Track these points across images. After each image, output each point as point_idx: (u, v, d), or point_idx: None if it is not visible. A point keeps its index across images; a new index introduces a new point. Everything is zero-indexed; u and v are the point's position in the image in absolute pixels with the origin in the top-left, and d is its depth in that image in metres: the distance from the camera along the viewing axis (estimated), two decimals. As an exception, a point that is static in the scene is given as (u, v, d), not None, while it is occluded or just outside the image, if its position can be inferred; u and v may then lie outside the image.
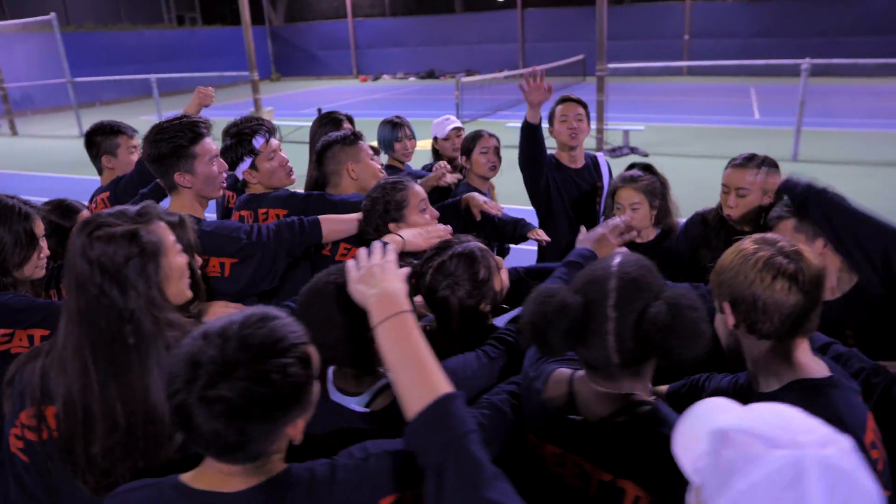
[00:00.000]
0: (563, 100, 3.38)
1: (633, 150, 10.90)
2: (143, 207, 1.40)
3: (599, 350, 1.21)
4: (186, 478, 1.12)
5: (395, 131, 3.69)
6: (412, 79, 29.11)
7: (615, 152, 10.85)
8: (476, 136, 3.40)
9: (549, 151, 3.34)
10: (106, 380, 1.30)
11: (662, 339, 1.15)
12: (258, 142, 2.47)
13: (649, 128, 12.30)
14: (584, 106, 3.37)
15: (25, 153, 14.62)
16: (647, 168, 2.88)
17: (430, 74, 28.86)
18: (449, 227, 2.11)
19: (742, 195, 2.42)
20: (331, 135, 2.66)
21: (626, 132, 11.15)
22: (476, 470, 0.99)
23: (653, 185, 2.79)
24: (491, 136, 3.40)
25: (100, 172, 3.29)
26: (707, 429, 0.83)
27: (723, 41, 23.23)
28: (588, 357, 1.25)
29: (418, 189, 2.22)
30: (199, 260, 1.69)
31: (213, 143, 2.17)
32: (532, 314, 1.24)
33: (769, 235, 1.48)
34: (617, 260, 1.30)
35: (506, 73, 20.75)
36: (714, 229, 2.61)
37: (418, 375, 1.09)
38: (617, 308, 1.21)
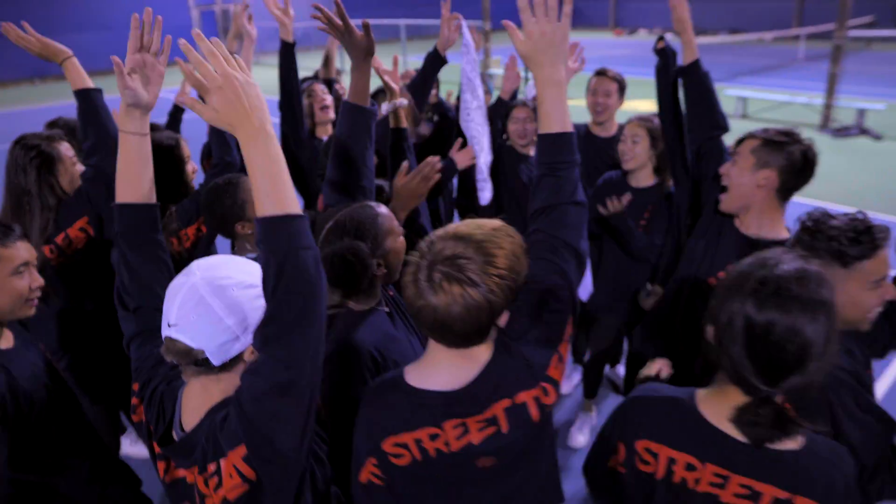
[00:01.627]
0: (597, 73, 3.50)
1: (864, 132, 9.59)
2: (52, 131, 2.24)
3: None
4: None
5: None
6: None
7: (841, 132, 9.65)
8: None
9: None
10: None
11: None
12: None
13: (894, 107, 10.61)
14: (618, 81, 3.46)
15: (296, 84, 17.33)
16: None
17: (690, 31, 27.05)
18: None
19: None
20: None
21: (860, 111, 9.82)
22: (307, 274, 1.16)
23: (659, 129, 2.84)
24: (524, 105, 3.47)
25: None
26: None
27: None
28: None
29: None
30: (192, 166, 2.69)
31: None
32: None
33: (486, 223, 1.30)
34: (347, 210, 1.68)
35: (774, 33, 18.81)
36: None
37: (277, 188, 1.18)
38: (321, 243, 1.62)
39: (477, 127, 3.06)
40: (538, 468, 1.41)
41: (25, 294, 1.80)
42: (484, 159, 3.12)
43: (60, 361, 2.54)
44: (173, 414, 1.35)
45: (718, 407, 1.30)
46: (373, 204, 1.82)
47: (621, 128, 3.54)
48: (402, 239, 1.79)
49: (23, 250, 1.81)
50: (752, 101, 11.42)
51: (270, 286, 1.15)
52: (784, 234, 2.06)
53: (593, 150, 3.52)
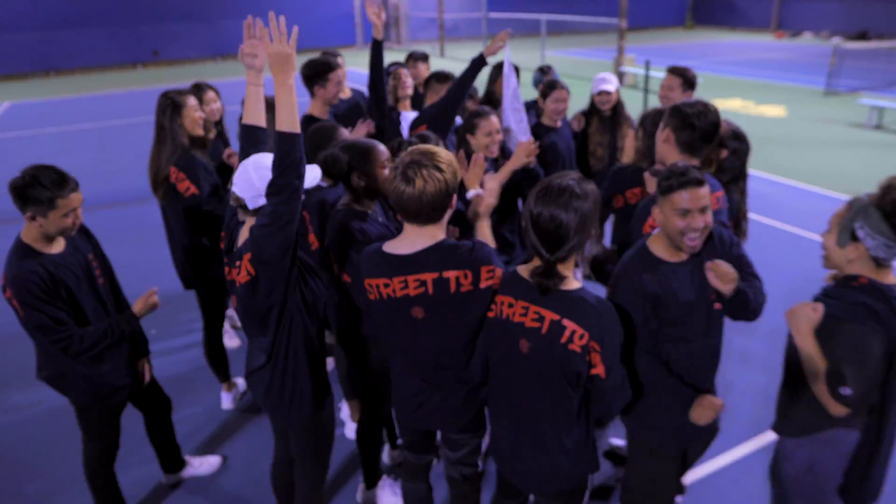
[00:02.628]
0: (668, 70, 4.07)
1: None
2: (191, 88, 3.28)
3: None
4: None
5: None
6: (836, 39, 25.71)
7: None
8: (551, 85, 4.22)
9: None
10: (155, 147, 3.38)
11: None
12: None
13: None
14: (683, 77, 3.97)
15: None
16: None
17: (862, 35, 25.01)
18: None
19: None
20: None
21: None
22: (300, 165, 2.01)
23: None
24: (563, 88, 4.18)
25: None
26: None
27: None
28: None
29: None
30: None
31: None
32: None
33: None
34: None
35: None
36: None
37: (292, 117, 2.02)
38: None
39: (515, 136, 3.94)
40: (456, 336, 2.13)
41: (68, 229, 2.50)
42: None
43: (182, 254, 3.60)
44: (236, 239, 2.28)
45: (528, 269, 1.99)
46: (378, 143, 2.67)
47: None
48: (387, 171, 2.56)
49: (74, 200, 2.46)
50: (888, 112, 10.89)
51: (280, 168, 2.01)
52: None
53: None
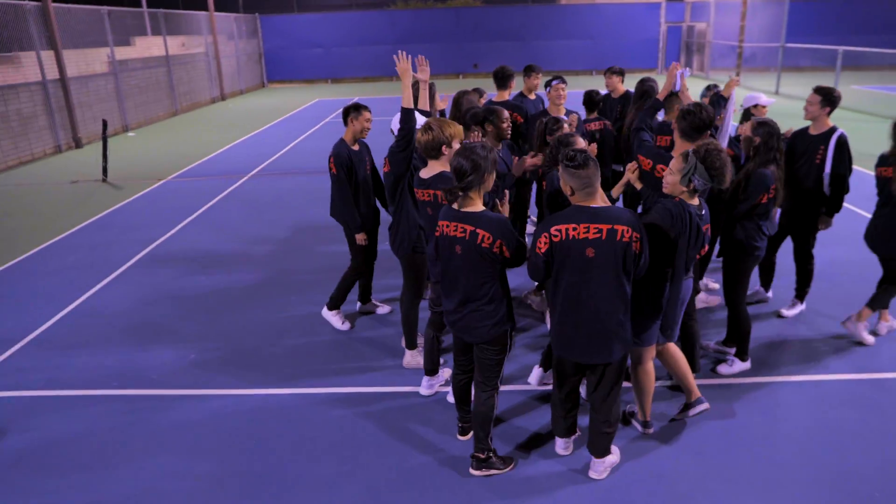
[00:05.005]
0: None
1: None
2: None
3: None
4: None
5: None
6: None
7: None
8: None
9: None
10: None
11: None
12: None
13: None
14: (821, 94, 4.71)
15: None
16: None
17: None
18: None
19: None
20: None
21: None
22: (413, 123, 3.96)
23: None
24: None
25: None
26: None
27: None
28: None
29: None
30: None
31: None
32: None
33: None
34: None
35: None
36: None
37: (409, 100, 3.96)
38: None
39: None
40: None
41: (365, 131, 4.81)
42: None
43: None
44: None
45: (456, 203, 3.26)
46: (502, 109, 4.58)
47: (832, 129, 4.80)
48: (505, 125, 4.56)
49: (368, 114, 4.80)
50: None
51: (402, 123, 3.99)
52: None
53: (804, 142, 4.85)
